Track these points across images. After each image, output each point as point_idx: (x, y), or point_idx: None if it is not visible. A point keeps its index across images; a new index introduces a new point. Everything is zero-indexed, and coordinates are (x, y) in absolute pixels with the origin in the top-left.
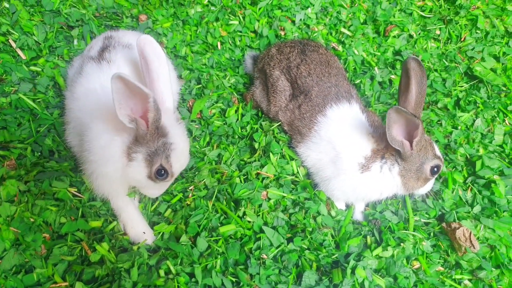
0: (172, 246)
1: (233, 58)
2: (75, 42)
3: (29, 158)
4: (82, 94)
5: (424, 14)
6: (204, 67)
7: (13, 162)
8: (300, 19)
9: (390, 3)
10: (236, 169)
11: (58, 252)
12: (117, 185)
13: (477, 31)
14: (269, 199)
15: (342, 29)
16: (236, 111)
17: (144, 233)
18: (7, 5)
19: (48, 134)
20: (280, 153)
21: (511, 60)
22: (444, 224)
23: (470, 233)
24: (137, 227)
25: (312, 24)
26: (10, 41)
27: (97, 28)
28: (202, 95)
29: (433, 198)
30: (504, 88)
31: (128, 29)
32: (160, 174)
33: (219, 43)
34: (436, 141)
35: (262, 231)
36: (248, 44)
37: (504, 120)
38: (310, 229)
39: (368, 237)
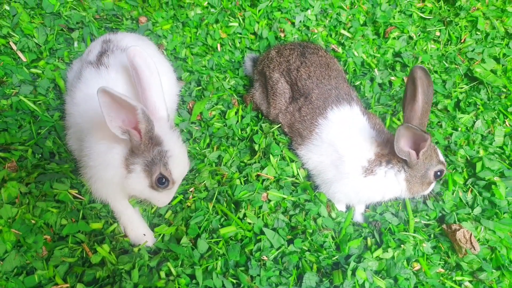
0: (173, 248)
1: (233, 60)
2: (75, 44)
3: (30, 160)
4: (82, 100)
5: (424, 16)
6: (204, 69)
7: (14, 164)
8: (300, 21)
9: (390, 5)
10: (236, 171)
11: (59, 254)
12: (116, 189)
13: (477, 32)
14: (270, 200)
15: (342, 31)
16: (236, 113)
17: (145, 235)
18: (7, 8)
19: (49, 136)
20: (280, 155)
21: (511, 61)
22: (444, 226)
23: (471, 234)
24: (137, 229)
25: (312, 26)
26: (11, 43)
27: (97, 30)
28: (202, 97)
29: (434, 200)
30: (504, 90)
31: (128, 31)
32: (161, 182)
33: (219, 45)
34: (436, 143)
35: (262, 232)
36: (248, 46)
37: (504, 122)
38: (311, 231)
39: (368, 238)
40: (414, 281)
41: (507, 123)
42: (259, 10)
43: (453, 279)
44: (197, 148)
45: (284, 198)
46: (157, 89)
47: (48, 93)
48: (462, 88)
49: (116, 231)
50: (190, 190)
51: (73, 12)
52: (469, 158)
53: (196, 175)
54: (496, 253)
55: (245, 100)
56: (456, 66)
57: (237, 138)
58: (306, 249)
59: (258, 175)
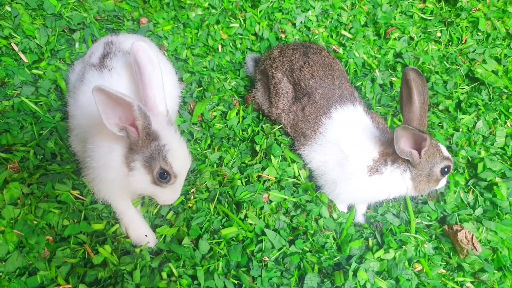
0: (174, 249)
1: (234, 61)
2: (77, 45)
3: (31, 161)
4: (85, 102)
5: (425, 16)
6: (205, 70)
7: (16, 165)
8: (301, 22)
9: (390, 5)
10: (237, 172)
11: (61, 255)
12: (118, 190)
13: (478, 33)
14: (271, 201)
15: (343, 32)
16: (237, 114)
17: (146, 236)
18: (9, 9)
19: (51, 137)
20: (281, 155)
21: None
22: (446, 227)
23: (472, 235)
24: (139, 230)
25: (312, 27)
26: (12, 44)
27: (99, 31)
28: (203, 97)
29: (436, 201)
30: (505, 90)
31: (129, 33)
32: (163, 177)
33: (219, 46)
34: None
35: (264, 233)
36: (249, 47)
37: (505, 122)
38: (312, 232)
39: (369, 239)
40: (415, 282)
41: (508, 123)
42: (260, 11)
43: (455, 280)
44: (198, 149)
45: (285, 199)
46: (158, 84)
47: (49, 94)
48: (463, 89)
49: (118, 232)
50: (192, 191)
51: (74, 13)
52: (470, 159)
53: (198, 176)
54: (498, 254)
55: (246, 101)
56: (457, 67)
57: (238, 139)
58: (308, 250)
59: (259, 176)
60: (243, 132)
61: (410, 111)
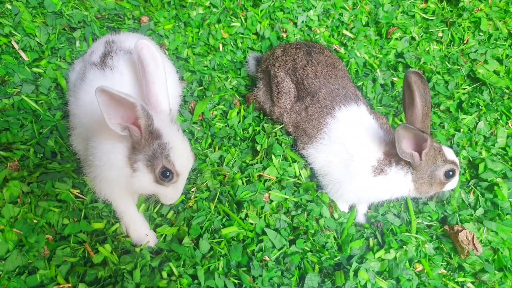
0: (175, 248)
1: (234, 60)
2: (77, 43)
3: (31, 159)
4: (87, 101)
5: (426, 17)
6: (206, 69)
7: (16, 164)
8: (302, 21)
9: (392, 5)
10: (238, 171)
11: (61, 254)
12: (119, 189)
13: (480, 33)
14: (271, 201)
15: (344, 31)
16: (238, 113)
17: (147, 235)
18: (9, 7)
19: (51, 135)
20: (282, 155)
21: None
22: (446, 227)
23: (473, 235)
24: (139, 229)
25: (314, 26)
26: (13, 42)
27: (99, 29)
28: (204, 97)
29: (437, 202)
30: (507, 91)
31: (130, 31)
32: (165, 175)
33: (220, 45)
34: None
35: (264, 233)
36: (250, 46)
37: (507, 123)
38: (313, 231)
39: (370, 239)
40: (416, 282)
41: (509, 124)
42: (261, 10)
43: (456, 280)
44: (199, 148)
45: (286, 199)
46: (161, 82)
47: (50, 93)
48: (464, 89)
49: (118, 231)
50: (192, 190)
51: (75, 11)
52: (471, 159)
53: (198, 175)
54: (499, 254)
55: (247, 100)
56: (459, 67)
57: (239, 138)
58: (308, 249)
59: (260, 176)
60: (244, 132)
61: (413, 114)
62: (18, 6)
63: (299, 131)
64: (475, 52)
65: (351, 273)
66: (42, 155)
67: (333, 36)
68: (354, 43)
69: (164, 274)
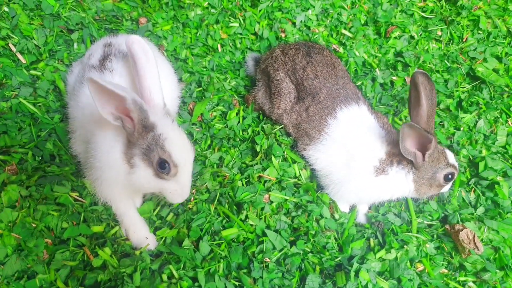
0: (175, 251)
1: (233, 61)
2: (75, 45)
3: (30, 162)
4: (87, 103)
5: (425, 15)
6: (205, 69)
7: (14, 167)
8: (301, 21)
9: (391, 4)
10: (238, 172)
11: (60, 257)
12: (120, 190)
13: (479, 31)
14: (272, 202)
15: (343, 31)
16: (237, 114)
17: (146, 238)
18: (6, 9)
19: (49, 138)
20: (282, 156)
21: None
22: (447, 226)
23: (474, 235)
24: (139, 233)
25: (312, 26)
26: (10, 45)
27: (97, 31)
28: (203, 98)
29: (438, 200)
30: (506, 89)
31: (128, 33)
32: (163, 167)
33: (219, 46)
34: (439, 143)
35: (264, 234)
36: (248, 47)
37: (507, 121)
38: (313, 232)
39: (371, 239)
40: (417, 282)
41: (509, 122)
42: (260, 10)
43: (457, 279)
44: (198, 149)
45: (286, 200)
46: (153, 76)
47: (48, 95)
48: (464, 87)
49: (118, 234)
50: (192, 192)
51: (72, 13)
52: (471, 158)
53: (198, 176)
54: (500, 253)
55: (246, 101)
56: (458, 66)
57: (238, 139)
58: (309, 250)
59: (260, 177)
60: (243, 133)
61: (418, 115)
62: (15, 9)
63: (299, 132)
64: (474, 50)
65: (352, 274)
66: (40, 158)
67: (332, 36)
68: (353, 43)
69: (164, 277)
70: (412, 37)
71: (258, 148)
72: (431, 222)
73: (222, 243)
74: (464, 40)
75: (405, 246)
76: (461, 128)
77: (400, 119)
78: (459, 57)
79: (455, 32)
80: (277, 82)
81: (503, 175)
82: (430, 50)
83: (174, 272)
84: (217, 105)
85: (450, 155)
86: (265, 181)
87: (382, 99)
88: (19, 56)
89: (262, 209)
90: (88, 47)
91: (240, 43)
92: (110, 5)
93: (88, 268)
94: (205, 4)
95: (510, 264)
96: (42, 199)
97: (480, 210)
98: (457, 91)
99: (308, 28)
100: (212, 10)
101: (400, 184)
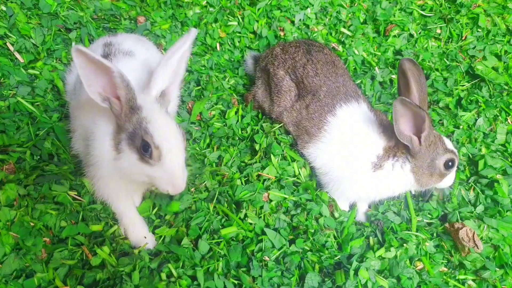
0: (174, 249)
1: (232, 59)
2: (73, 44)
3: (28, 161)
4: (87, 102)
5: (424, 13)
6: (203, 68)
7: (12, 166)
8: (300, 20)
9: (390, 3)
10: (237, 171)
11: (58, 256)
12: (116, 186)
13: (478, 29)
14: (271, 200)
15: (342, 29)
16: (236, 113)
17: (145, 237)
18: (4, 8)
19: (47, 137)
20: (281, 154)
21: None
22: (447, 224)
23: (474, 233)
24: (138, 232)
25: (311, 24)
26: (8, 44)
27: (95, 30)
28: (202, 96)
29: (438, 198)
30: (506, 87)
31: (127, 31)
32: (146, 149)
33: (218, 44)
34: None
35: (264, 233)
36: (247, 45)
37: (506, 119)
38: (312, 231)
39: (370, 238)
40: (417, 280)
41: (509, 120)
42: (259, 9)
43: (456, 278)
44: (197, 148)
45: (285, 198)
46: (164, 66)
47: (46, 94)
48: (463, 86)
49: (116, 233)
50: (191, 190)
51: (70, 12)
52: (471, 156)
53: (197, 175)
54: (499, 251)
55: (246, 99)
56: (457, 64)
57: (237, 138)
58: (308, 249)
59: (259, 175)
60: (243, 131)
61: None
62: (12, 8)
63: (299, 130)
64: (473, 48)
65: (352, 272)
66: (38, 157)
67: (331, 34)
68: (352, 41)
69: (163, 275)
70: (411, 35)
71: (257, 147)
72: (430, 221)
73: (221, 241)
74: (463, 38)
75: (404, 245)
76: (461, 127)
77: None
78: (459, 55)
79: (454, 30)
80: (277, 80)
81: (503, 173)
82: (429, 48)
83: (173, 271)
84: (216, 104)
85: (447, 141)
86: (264, 180)
87: (382, 97)
88: (17, 55)
89: (261, 207)
90: (87, 46)
91: (239, 41)
92: (108, 4)
93: (86, 267)
94: (204, 2)
95: (509, 262)
96: (40, 198)
97: (480, 208)
98: (456, 89)
99: (307, 26)
100: (211, 9)
101: (398, 177)
